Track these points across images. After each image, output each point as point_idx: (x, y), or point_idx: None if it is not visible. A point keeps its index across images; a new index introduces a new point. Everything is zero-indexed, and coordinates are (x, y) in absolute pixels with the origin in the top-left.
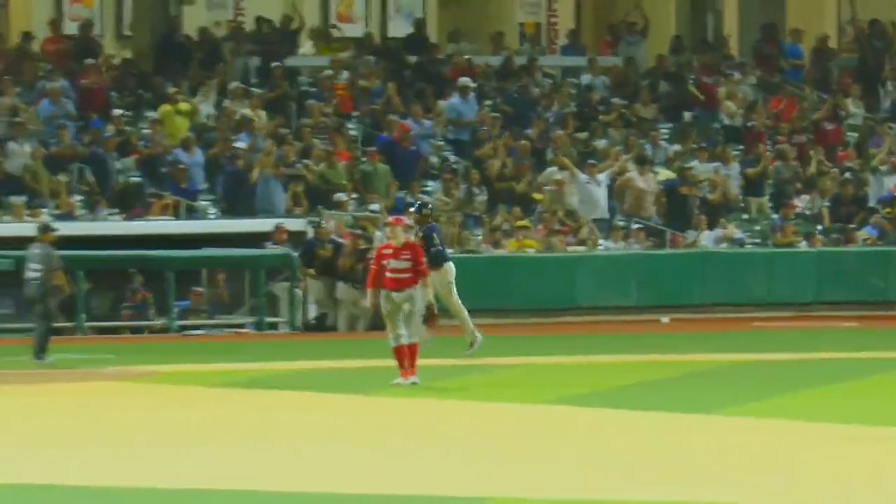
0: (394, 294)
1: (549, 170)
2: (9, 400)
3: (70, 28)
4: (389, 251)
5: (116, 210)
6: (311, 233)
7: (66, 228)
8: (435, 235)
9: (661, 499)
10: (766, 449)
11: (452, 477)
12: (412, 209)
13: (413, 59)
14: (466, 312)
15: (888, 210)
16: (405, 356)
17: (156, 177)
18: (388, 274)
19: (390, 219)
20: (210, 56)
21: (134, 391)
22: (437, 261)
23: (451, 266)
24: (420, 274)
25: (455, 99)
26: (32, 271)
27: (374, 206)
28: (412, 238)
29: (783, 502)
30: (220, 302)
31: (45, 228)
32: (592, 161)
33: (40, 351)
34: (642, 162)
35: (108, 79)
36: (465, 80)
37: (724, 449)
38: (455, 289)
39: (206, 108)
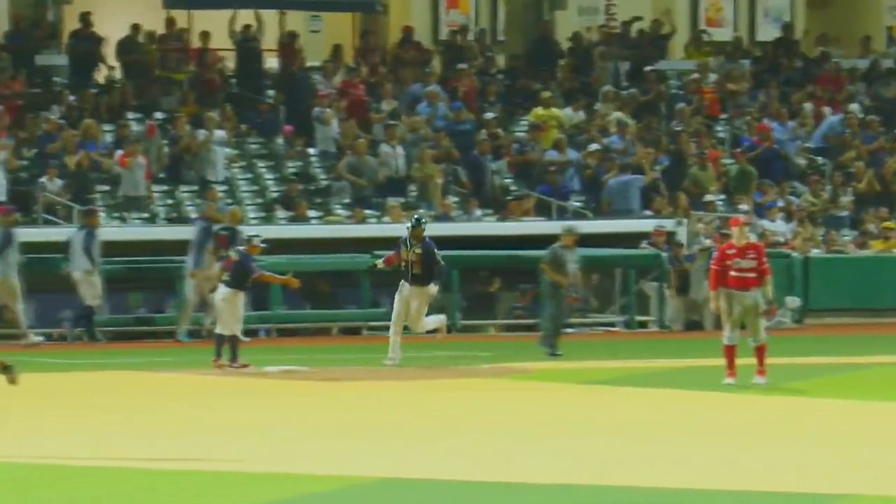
0: (740, 293)
1: None
2: (386, 394)
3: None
4: (733, 251)
5: (490, 210)
6: (680, 233)
7: (441, 229)
8: (436, 250)
9: None
10: None
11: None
12: (410, 224)
13: (783, 62)
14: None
15: None
16: (734, 356)
17: (527, 178)
18: (732, 273)
19: (731, 219)
20: (581, 60)
21: (505, 387)
22: (439, 276)
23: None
24: (763, 273)
25: (833, 117)
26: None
27: (744, 207)
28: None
29: None
30: (591, 301)
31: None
32: None
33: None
34: None
35: (481, 82)
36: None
37: None
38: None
39: (574, 112)
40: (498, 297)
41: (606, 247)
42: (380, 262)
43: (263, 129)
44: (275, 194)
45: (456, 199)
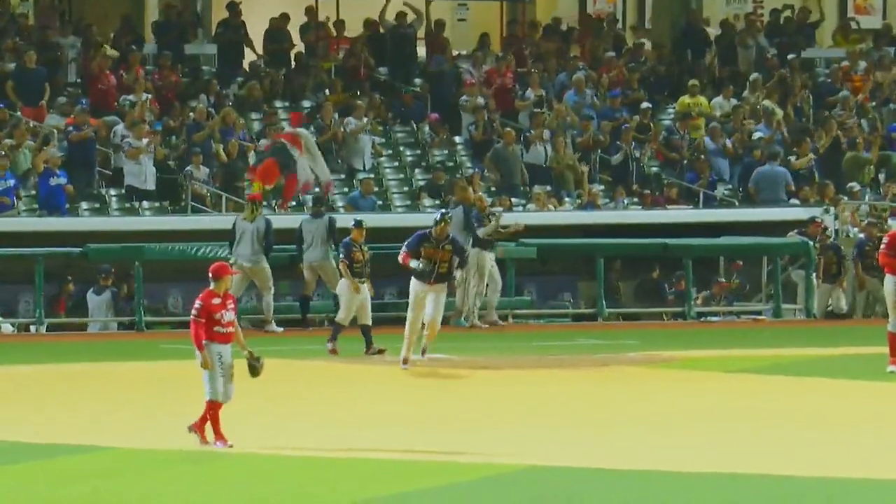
0: None
1: None
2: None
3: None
4: None
5: (636, 199)
6: (827, 221)
7: (584, 217)
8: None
9: None
10: None
11: None
12: (435, 220)
13: None
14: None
15: None
16: None
17: (675, 166)
18: None
19: None
20: (728, 48)
21: (649, 376)
22: (464, 261)
23: None
24: None
25: None
26: None
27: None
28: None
29: None
30: (738, 289)
31: None
32: None
33: None
34: None
35: (629, 71)
36: None
37: None
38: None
39: (724, 100)
40: (662, 285)
41: (753, 234)
42: (415, 264)
43: (409, 118)
44: (421, 182)
45: (601, 187)
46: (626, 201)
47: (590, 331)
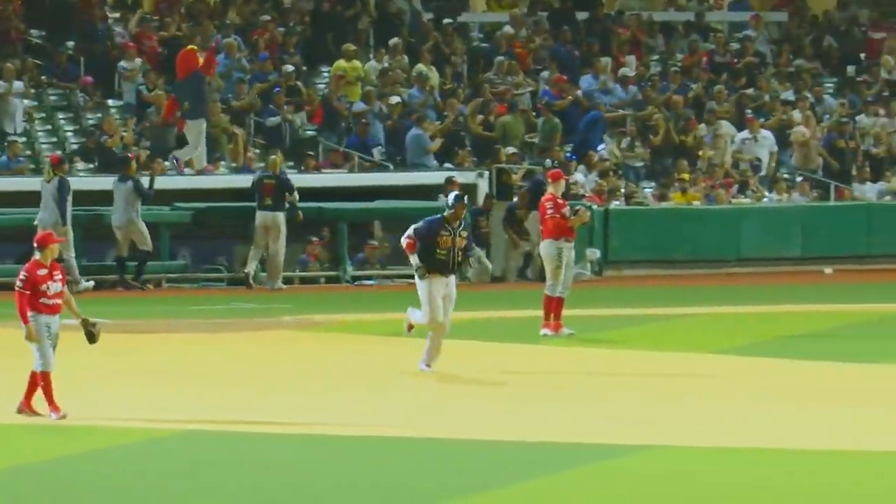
0: (569, 244)
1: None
2: (185, 347)
3: None
4: (560, 202)
5: (291, 163)
6: (482, 186)
7: (244, 181)
8: None
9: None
10: None
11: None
12: (450, 203)
13: (583, 15)
14: None
15: None
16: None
17: (332, 130)
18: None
19: (553, 171)
20: (384, 13)
21: (306, 339)
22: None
23: None
24: None
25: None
26: None
27: (548, 161)
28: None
29: None
30: (389, 253)
31: None
32: (754, 115)
33: None
34: (806, 117)
35: (281, 35)
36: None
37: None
38: None
39: (379, 64)
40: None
41: (406, 199)
42: (413, 260)
43: (63, 80)
44: (74, 146)
45: (257, 151)
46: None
47: (245, 295)
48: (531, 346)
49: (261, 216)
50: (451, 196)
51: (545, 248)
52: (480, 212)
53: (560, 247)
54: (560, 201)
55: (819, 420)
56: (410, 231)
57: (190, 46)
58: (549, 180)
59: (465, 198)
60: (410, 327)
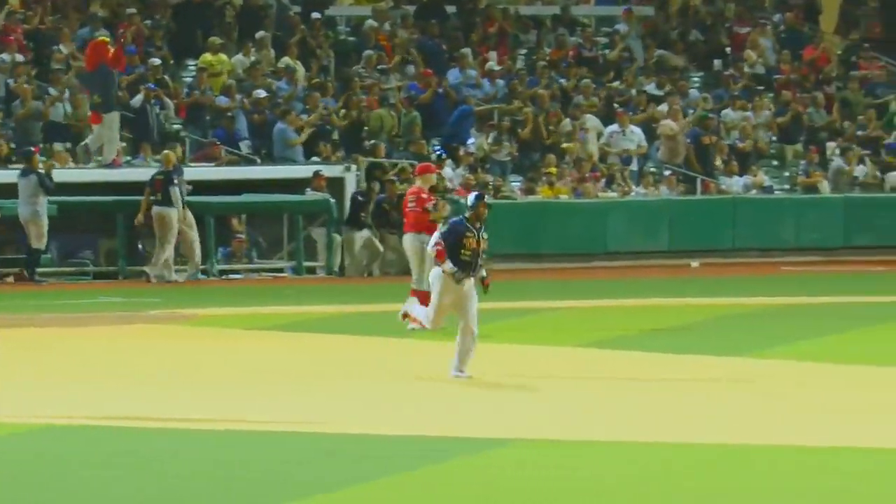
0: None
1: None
2: (50, 341)
3: None
4: (425, 196)
5: (158, 157)
6: (350, 179)
7: (108, 175)
8: None
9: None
10: (795, 391)
11: (476, 419)
12: (471, 203)
13: (451, 9)
14: None
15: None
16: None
17: (198, 124)
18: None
19: (422, 165)
20: (249, 6)
21: (175, 333)
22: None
23: None
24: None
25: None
26: None
27: (434, 155)
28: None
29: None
30: (259, 247)
31: None
32: (624, 110)
33: None
34: (673, 111)
35: (148, 28)
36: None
37: (756, 391)
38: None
39: (245, 57)
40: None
41: (274, 192)
42: (450, 267)
43: None
44: None
45: (123, 144)
46: (147, 158)
47: (111, 289)
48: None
49: (154, 211)
50: (472, 196)
51: (407, 241)
52: (362, 198)
53: (422, 240)
54: (424, 196)
55: (679, 412)
56: (437, 237)
57: (101, 38)
58: (417, 174)
59: (486, 197)
60: (406, 316)
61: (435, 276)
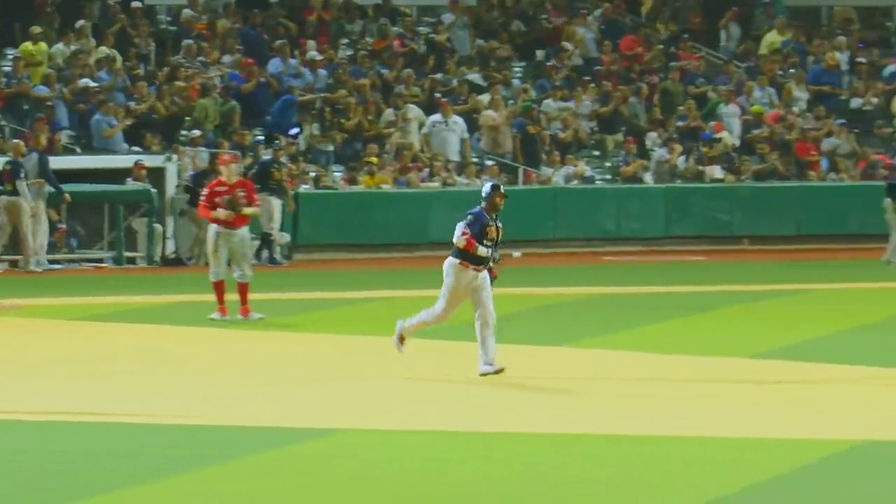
0: (227, 231)
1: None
2: None
3: None
4: (223, 188)
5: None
6: (170, 169)
7: None
8: None
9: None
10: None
11: (299, 409)
12: (487, 192)
13: None
14: None
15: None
16: (223, 292)
17: (14, 114)
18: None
19: (220, 157)
20: None
21: None
22: None
23: None
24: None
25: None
26: None
27: (277, 143)
28: None
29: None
30: (80, 237)
31: None
32: (447, 100)
33: None
34: (496, 101)
35: None
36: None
37: (579, 380)
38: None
39: (65, 47)
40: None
41: (94, 182)
42: (485, 251)
43: None
44: None
45: None
46: None
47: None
48: (219, 330)
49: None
50: (488, 185)
51: (208, 232)
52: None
53: (217, 231)
54: (221, 189)
55: (494, 403)
56: (464, 227)
57: None
58: (220, 165)
59: (501, 186)
60: (402, 339)
61: (449, 266)
